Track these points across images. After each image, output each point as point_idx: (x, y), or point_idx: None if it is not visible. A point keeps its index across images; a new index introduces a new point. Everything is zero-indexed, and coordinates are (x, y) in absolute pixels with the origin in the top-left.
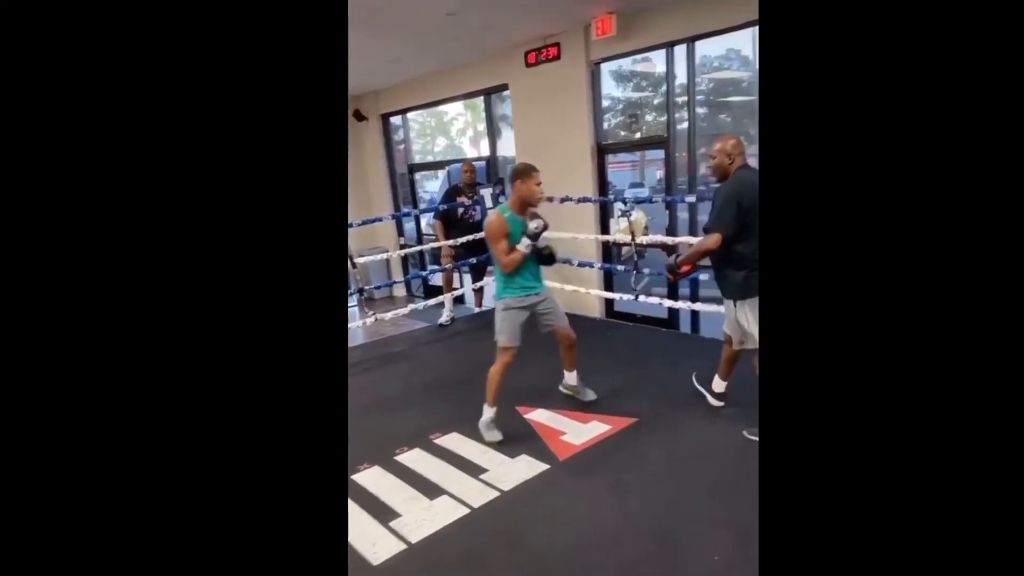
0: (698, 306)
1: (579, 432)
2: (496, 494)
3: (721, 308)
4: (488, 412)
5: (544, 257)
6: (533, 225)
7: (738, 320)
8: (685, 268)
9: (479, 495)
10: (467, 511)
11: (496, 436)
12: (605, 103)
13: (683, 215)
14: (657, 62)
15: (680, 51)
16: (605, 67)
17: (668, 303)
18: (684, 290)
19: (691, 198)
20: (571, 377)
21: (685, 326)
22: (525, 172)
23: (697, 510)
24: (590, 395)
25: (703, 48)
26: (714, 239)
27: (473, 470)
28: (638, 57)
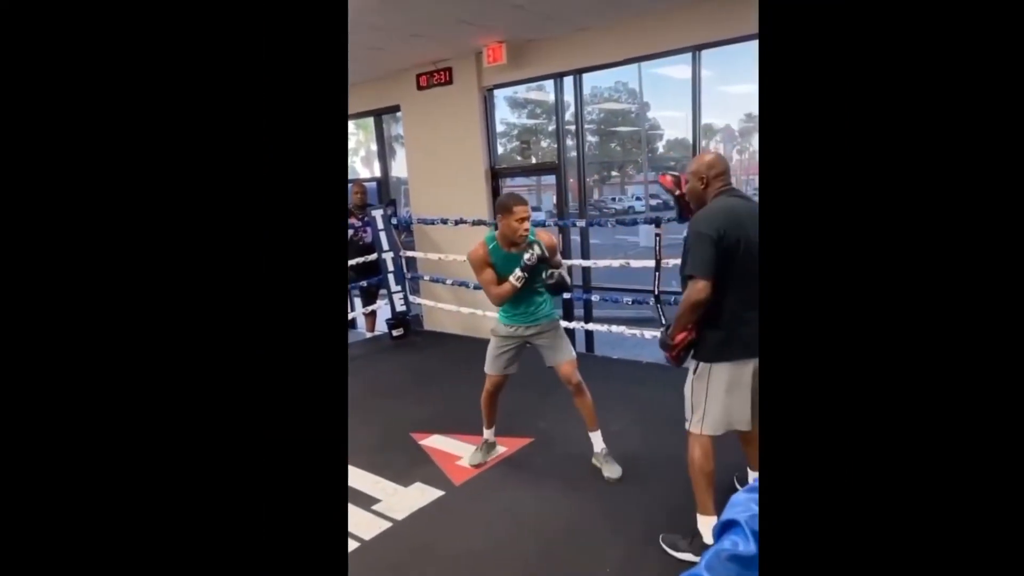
0: (592, 326)
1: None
2: (388, 524)
3: (614, 328)
4: (484, 433)
5: (552, 287)
6: (527, 256)
7: (693, 385)
8: (680, 337)
9: (370, 527)
10: (357, 544)
11: (476, 459)
12: (501, 128)
13: (575, 238)
14: (550, 91)
15: (569, 81)
16: (500, 93)
17: (563, 324)
18: (579, 311)
19: (581, 223)
20: (596, 440)
21: (580, 346)
22: (504, 207)
23: (591, 526)
24: (615, 471)
25: (592, 79)
26: (699, 288)
27: (364, 501)
28: (532, 85)
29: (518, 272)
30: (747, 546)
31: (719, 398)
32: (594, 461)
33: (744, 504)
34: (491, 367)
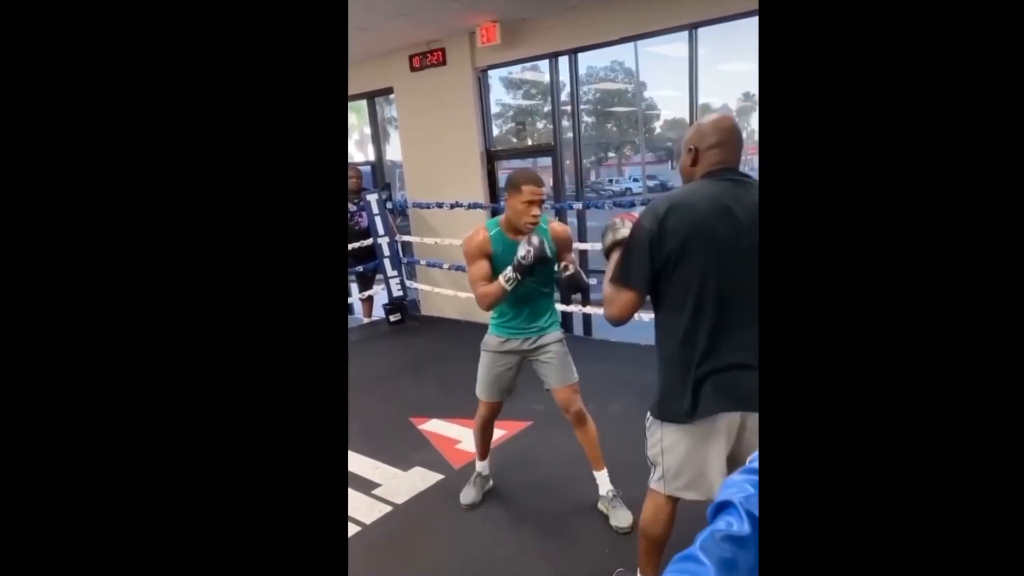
0: (589, 309)
1: None
2: (389, 508)
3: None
4: (476, 466)
5: (566, 283)
6: (521, 252)
7: (647, 435)
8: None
9: (371, 511)
10: (358, 529)
11: (469, 497)
12: (496, 109)
13: (572, 221)
14: (545, 71)
15: (564, 61)
16: (495, 74)
17: (561, 307)
18: (576, 294)
19: (578, 205)
20: (603, 482)
21: (578, 329)
22: (512, 184)
23: (590, 508)
24: (624, 519)
25: (588, 59)
26: (621, 303)
27: (364, 486)
28: (527, 65)
29: (508, 272)
30: (741, 526)
31: (680, 457)
32: (599, 506)
33: (739, 485)
34: (483, 391)
